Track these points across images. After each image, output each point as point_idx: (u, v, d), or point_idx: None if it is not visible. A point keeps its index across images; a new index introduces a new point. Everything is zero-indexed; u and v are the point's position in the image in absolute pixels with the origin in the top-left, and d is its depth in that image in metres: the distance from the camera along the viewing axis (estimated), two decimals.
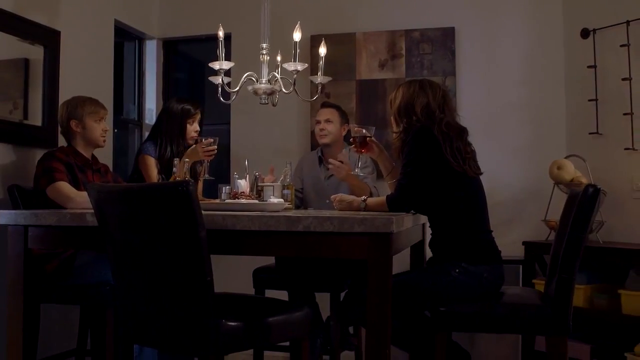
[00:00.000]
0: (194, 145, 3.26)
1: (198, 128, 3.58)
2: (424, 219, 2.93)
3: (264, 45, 2.98)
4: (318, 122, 3.66)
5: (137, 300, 2.08)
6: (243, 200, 2.69)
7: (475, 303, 2.47)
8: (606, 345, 3.36)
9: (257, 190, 2.94)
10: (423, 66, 4.08)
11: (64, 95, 3.31)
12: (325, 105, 3.75)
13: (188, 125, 3.53)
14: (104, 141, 3.15)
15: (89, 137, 3.08)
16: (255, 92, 2.99)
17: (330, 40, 3.72)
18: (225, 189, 2.93)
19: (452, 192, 2.59)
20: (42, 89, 3.39)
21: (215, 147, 3.16)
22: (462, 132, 2.64)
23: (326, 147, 3.67)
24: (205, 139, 3.18)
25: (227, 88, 3.02)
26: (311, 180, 3.68)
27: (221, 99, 3.03)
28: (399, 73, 4.11)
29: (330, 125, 3.62)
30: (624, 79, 3.51)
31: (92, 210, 2.17)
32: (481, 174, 2.67)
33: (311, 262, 3.27)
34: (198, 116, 3.58)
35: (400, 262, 3.07)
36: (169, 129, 3.51)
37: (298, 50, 2.87)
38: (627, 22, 3.50)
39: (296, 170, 3.70)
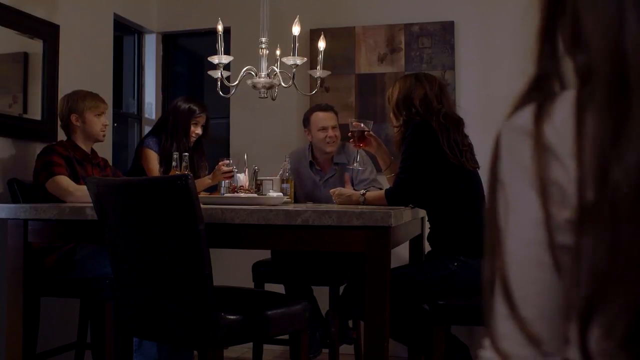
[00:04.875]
0: (214, 170, 3.30)
1: (199, 131, 3.58)
2: (422, 212, 2.93)
3: (263, 39, 2.98)
4: (324, 128, 3.45)
5: (136, 293, 2.09)
6: (242, 194, 2.70)
7: (474, 296, 2.47)
8: None
9: (256, 184, 2.95)
10: (422, 60, 4.08)
11: (63, 89, 3.31)
12: (326, 108, 3.55)
13: (192, 126, 3.54)
14: (104, 136, 3.15)
15: (88, 132, 3.08)
16: (255, 86, 2.99)
17: (330, 34, 3.72)
18: (224, 183, 2.94)
19: (450, 185, 2.60)
20: (42, 83, 3.39)
21: (232, 167, 3.17)
22: (459, 123, 2.64)
23: (326, 153, 3.56)
24: (221, 160, 3.22)
25: (226, 82, 3.03)
26: (298, 181, 3.55)
27: (220, 92, 3.03)
28: (398, 67, 4.11)
29: (337, 131, 3.48)
30: None
31: (92, 204, 2.17)
32: (479, 167, 2.68)
33: (308, 256, 3.27)
34: (202, 119, 3.58)
35: (399, 256, 3.08)
36: (174, 126, 3.53)
37: (297, 44, 2.87)
38: None
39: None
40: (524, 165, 0.65)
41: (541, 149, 0.64)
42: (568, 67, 0.68)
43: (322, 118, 3.48)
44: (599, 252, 0.59)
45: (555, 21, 0.69)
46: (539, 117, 0.65)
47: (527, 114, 0.67)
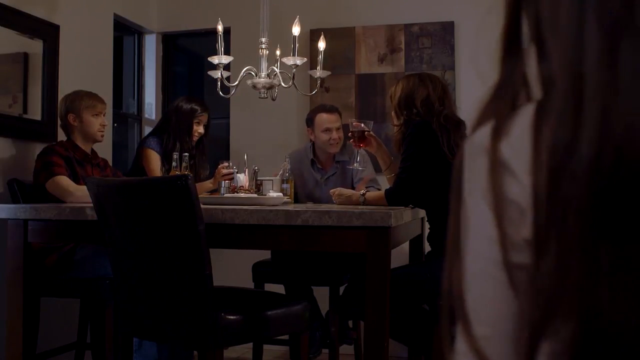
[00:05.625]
0: (215, 174, 3.32)
1: (201, 130, 3.60)
2: (422, 213, 2.93)
3: (263, 40, 2.98)
4: (328, 130, 3.43)
5: (136, 293, 2.09)
6: (242, 195, 2.70)
7: None
8: None
9: (256, 185, 2.95)
10: (422, 60, 4.08)
11: (63, 90, 3.31)
12: (331, 110, 3.52)
13: (195, 125, 3.56)
14: (102, 136, 3.14)
15: (86, 132, 3.07)
16: (255, 87, 2.99)
17: (330, 34, 3.72)
18: (224, 183, 2.95)
19: (449, 185, 2.60)
20: (42, 83, 3.39)
21: (231, 170, 3.17)
22: (460, 125, 2.65)
23: (327, 153, 3.54)
24: (221, 163, 3.24)
25: (226, 82, 3.03)
26: (300, 181, 3.55)
27: (220, 93, 3.03)
28: (398, 67, 4.11)
29: (341, 132, 3.46)
30: None
31: (92, 204, 2.17)
32: None
33: (308, 256, 3.27)
34: (204, 118, 3.60)
35: (399, 256, 3.08)
36: (177, 126, 3.54)
37: (297, 45, 2.87)
38: None
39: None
40: (481, 183, 0.65)
41: (497, 167, 0.63)
42: (533, 76, 0.67)
43: (326, 120, 3.46)
44: (550, 273, 0.58)
45: (519, 25, 0.68)
46: (496, 134, 0.64)
47: (486, 130, 0.66)
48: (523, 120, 0.63)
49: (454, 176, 0.68)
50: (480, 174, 0.65)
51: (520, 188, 0.62)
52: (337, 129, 3.46)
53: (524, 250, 0.62)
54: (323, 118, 3.47)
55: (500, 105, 0.66)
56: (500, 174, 0.63)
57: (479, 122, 0.67)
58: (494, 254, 0.63)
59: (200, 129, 3.59)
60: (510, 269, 0.62)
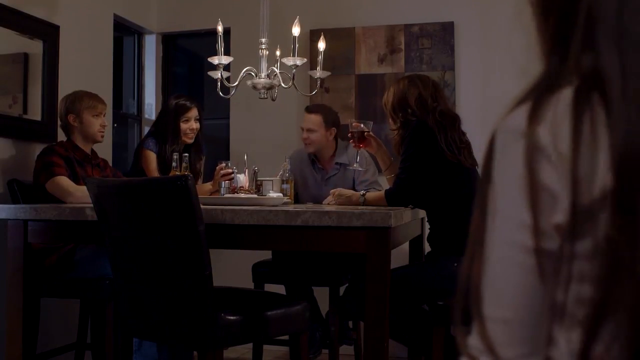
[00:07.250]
0: (214, 176, 3.30)
1: (193, 126, 3.50)
2: (422, 213, 2.94)
3: (263, 40, 2.98)
4: (302, 129, 3.48)
5: (136, 294, 2.09)
6: (242, 195, 2.70)
7: None
8: None
9: (256, 185, 2.95)
10: (422, 61, 4.08)
11: (63, 90, 3.31)
12: (309, 110, 3.53)
13: (182, 124, 3.47)
14: (102, 137, 3.13)
15: (86, 132, 3.07)
16: (255, 87, 2.99)
17: (330, 34, 3.72)
18: (224, 184, 2.95)
19: (450, 185, 2.61)
20: (42, 83, 3.39)
21: (230, 170, 3.15)
22: (455, 120, 2.65)
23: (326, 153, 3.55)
24: (219, 165, 3.22)
25: (226, 83, 3.03)
26: (301, 180, 3.56)
27: (220, 93, 3.03)
28: (398, 68, 4.11)
29: (313, 135, 3.43)
30: None
31: (92, 205, 2.17)
32: (477, 166, 2.68)
33: (308, 257, 3.27)
34: (192, 113, 3.49)
35: (399, 256, 3.08)
36: (164, 126, 3.49)
37: (297, 45, 2.87)
38: None
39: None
40: (515, 168, 0.64)
41: (534, 151, 0.63)
42: (572, 67, 0.67)
43: (304, 119, 3.51)
44: (606, 254, 0.58)
45: (570, 22, 0.67)
46: (533, 118, 0.64)
47: (521, 114, 0.65)
48: (560, 106, 0.63)
49: (484, 161, 0.68)
50: (516, 158, 0.64)
51: (556, 173, 0.61)
52: (308, 129, 3.44)
53: (552, 237, 0.62)
54: (304, 118, 3.50)
55: (538, 90, 0.66)
56: (536, 159, 0.62)
57: (513, 106, 0.66)
58: (523, 240, 0.63)
59: (191, 126, 3.49)
60: (541, 255, 0.62)
